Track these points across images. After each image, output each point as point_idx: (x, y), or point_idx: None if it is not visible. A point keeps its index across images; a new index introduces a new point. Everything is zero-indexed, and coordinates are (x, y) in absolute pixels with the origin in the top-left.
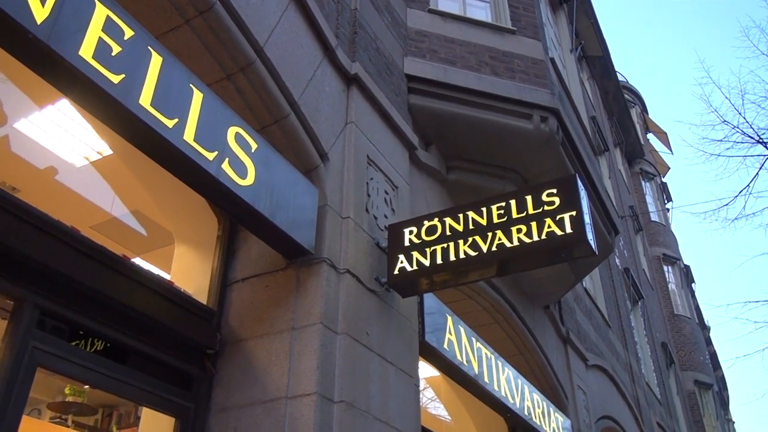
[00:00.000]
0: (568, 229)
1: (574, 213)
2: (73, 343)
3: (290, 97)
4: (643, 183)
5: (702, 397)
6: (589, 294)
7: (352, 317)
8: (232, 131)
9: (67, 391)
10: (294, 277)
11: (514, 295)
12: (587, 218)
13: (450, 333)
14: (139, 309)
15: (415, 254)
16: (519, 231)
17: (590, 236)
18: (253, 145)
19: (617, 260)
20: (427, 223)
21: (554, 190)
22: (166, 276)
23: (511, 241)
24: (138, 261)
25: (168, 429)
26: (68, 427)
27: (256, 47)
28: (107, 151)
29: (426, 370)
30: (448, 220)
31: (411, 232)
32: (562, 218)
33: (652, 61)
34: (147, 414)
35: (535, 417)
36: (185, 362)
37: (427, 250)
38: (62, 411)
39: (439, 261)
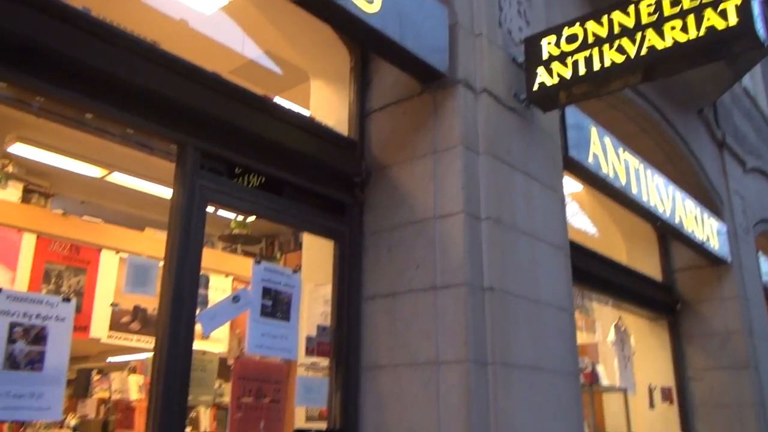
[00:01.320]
0: (732, 20)
1: (739, 1)
2: (233, 180)
3: None
4: None
5: None
6: (749, 93)
7: (492, 136)
8: None
9: (232, 225)
10: (431, 101)
11: (663, 101)
12: (756, 5)
13: (594, 145)
14: (287, 144)
15: (555, 66)
16: (672, 29)
17: (759, 26)
18: None
19: None
20: (567, 31)
21: None
22: (306, 112)
23: (663, 40)
24: (277, 100)
25: (328, 251)
26: (238, 255)
27: None
28: None
29: (568, 185)
30: (591, 25)
31: (549, 43)
32: (725, 8)
33: None
34: (307, 239)
35: (687, 224)
36: (336, 191)
37: (568, 60)
38: (231, 242)
39: (582, 71)
